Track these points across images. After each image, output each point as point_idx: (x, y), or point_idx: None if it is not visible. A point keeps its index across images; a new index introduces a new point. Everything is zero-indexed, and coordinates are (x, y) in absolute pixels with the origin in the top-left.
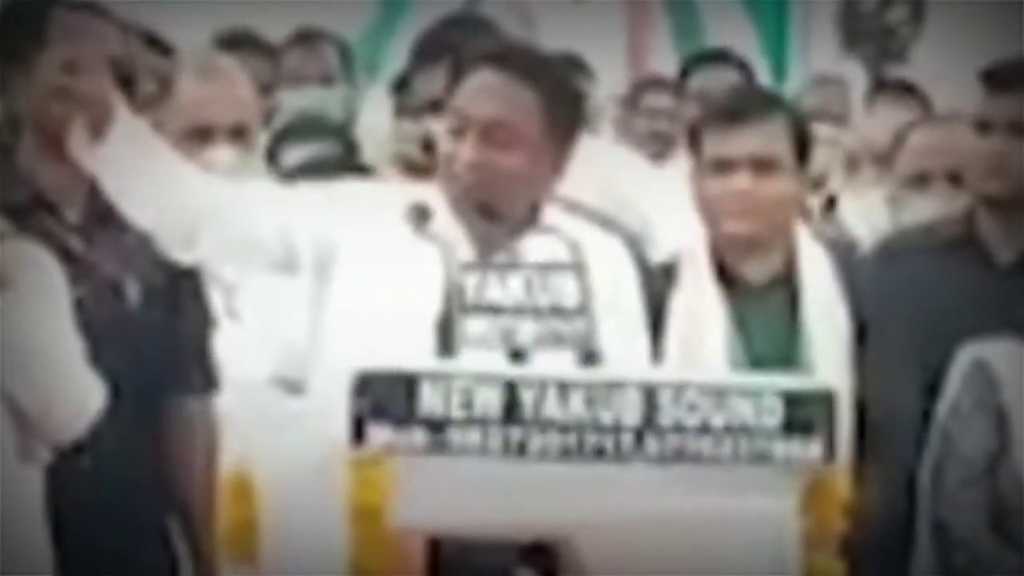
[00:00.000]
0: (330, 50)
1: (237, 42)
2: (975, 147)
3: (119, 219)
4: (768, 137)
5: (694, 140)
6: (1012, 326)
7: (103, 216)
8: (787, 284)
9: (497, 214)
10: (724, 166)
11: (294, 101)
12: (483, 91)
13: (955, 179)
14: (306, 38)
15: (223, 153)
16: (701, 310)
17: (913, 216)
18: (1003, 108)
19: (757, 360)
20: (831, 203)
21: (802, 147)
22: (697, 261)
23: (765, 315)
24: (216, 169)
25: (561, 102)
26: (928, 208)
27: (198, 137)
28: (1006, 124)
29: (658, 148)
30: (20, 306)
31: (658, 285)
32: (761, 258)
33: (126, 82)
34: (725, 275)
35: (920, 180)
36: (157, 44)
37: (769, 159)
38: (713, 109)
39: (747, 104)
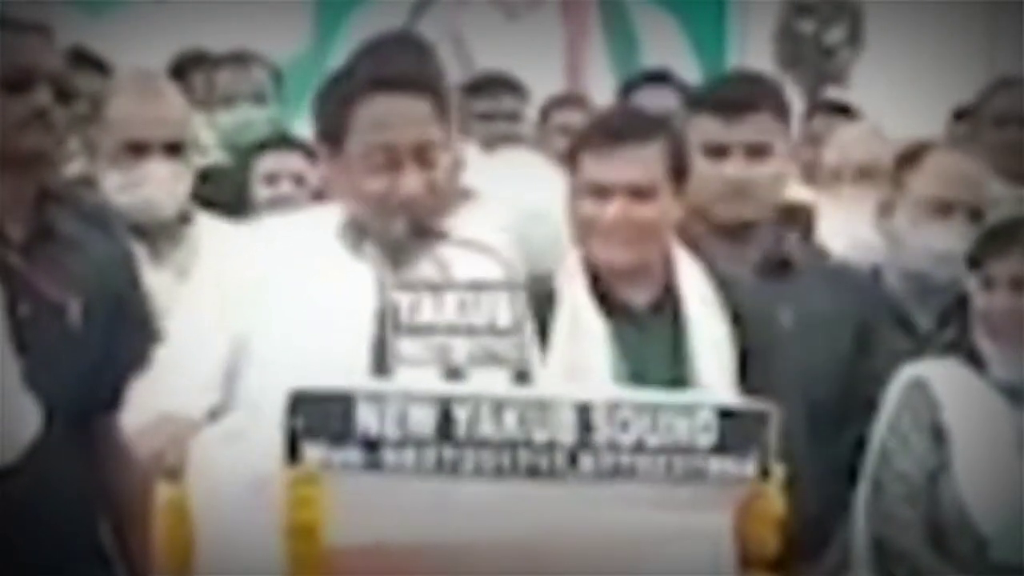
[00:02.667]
0: (260, 71)
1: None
2: (708, 172)
3: (62, 236)
4: (644, 163)
5: (572, 159)
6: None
7: (46, 233)
8: (672, 308)
9: (431, 232)
10: (600, 191)
11: (224, 120)
12: (394, 118)
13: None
14: (237, 59)
15: (158, 168)
16: (582, 333)
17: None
18: (739, 133)
19: (641, 381)
20: None
21: (682, 170)
22: (575, 281)
23: (648, 338)
24: (154, 184)
25: (443, 98)
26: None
27: (133, 153)
28: (743, 149)
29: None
30: None
31: (539, 301)
32: (640, 283)
33: (65, 99)
34: (606, 298)
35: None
36: (88, 62)
37: (645, 186)
38: (592, 131)
39: (625, 128)
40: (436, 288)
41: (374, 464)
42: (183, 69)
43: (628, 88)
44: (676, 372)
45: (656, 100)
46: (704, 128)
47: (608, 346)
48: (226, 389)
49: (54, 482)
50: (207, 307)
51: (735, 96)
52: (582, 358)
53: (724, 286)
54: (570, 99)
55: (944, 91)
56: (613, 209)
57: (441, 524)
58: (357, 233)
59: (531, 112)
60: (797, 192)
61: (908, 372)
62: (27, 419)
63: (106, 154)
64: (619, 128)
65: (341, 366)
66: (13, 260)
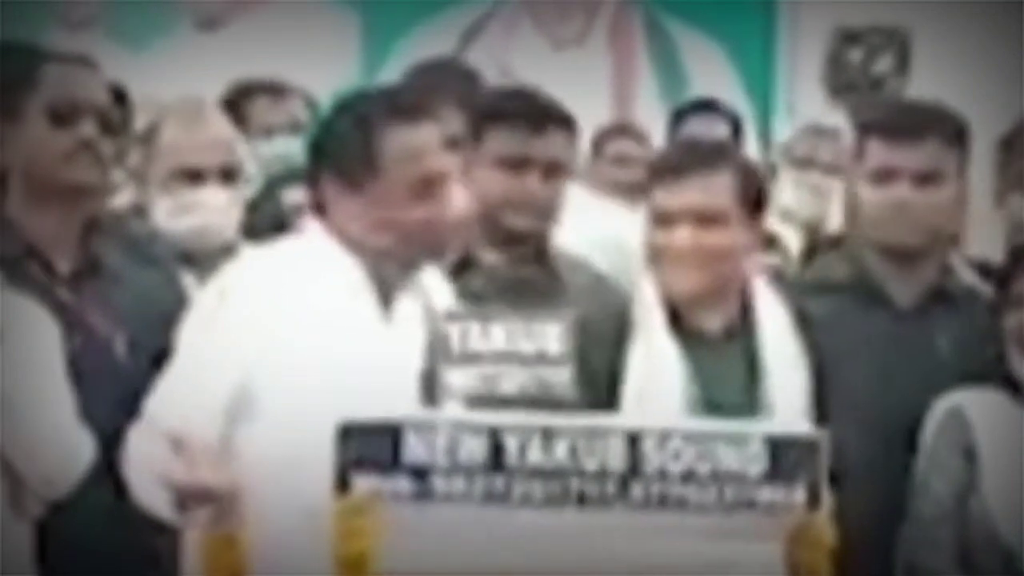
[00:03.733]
0: (297, 101)
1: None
2: (872, 196)
3: (109, 269)
4: (712, 190)
5: (645, 189)
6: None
7: (93, 266)
8: (744, 334)
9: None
10: (667, 219)
11: (262, 150)
12: (428, 144)
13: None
14: (274, 89)
15: (214, 195)
16: (657, 359)
17: None
18: (905, 158)
19: (714, 408)
20: (811, 253)
21: (755, 198)
22: (651, 309)
23: (722, 364)
24: (208, 211)
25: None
26: None
27: (187, 179)
28: (909, 174)
29: (628, 196)
30: (11, 361)
31: (615, 331)
32: (714, 310)
33: (111, 132)
34: (681, 325)
35: None
36: (123, 97)
37: (713, 213)
38: (661, 162)
39: (693, 158)
40: (485, 317)
41: (424, 494)
42: (235, 102)
43: (677, 117)
44: (749, 398)
45: (705, 129)
46: (873, 153)
47: (681, 372)
48: (238, 416)
49: (108, 512)
50: (222, 332)
51: (905, 122)
52: (656, 384)
53: (801, 312)
54: (623, 129)
55: (991, 118)
56: (680, 236)
57: (491, 553)
58: (397, 264)
59: (580, 143)
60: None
61: (946, 401)
62: (84, 452)
63: (157, 182)
64: (686, 156)
65: (391, 396)
66: (62, 294)
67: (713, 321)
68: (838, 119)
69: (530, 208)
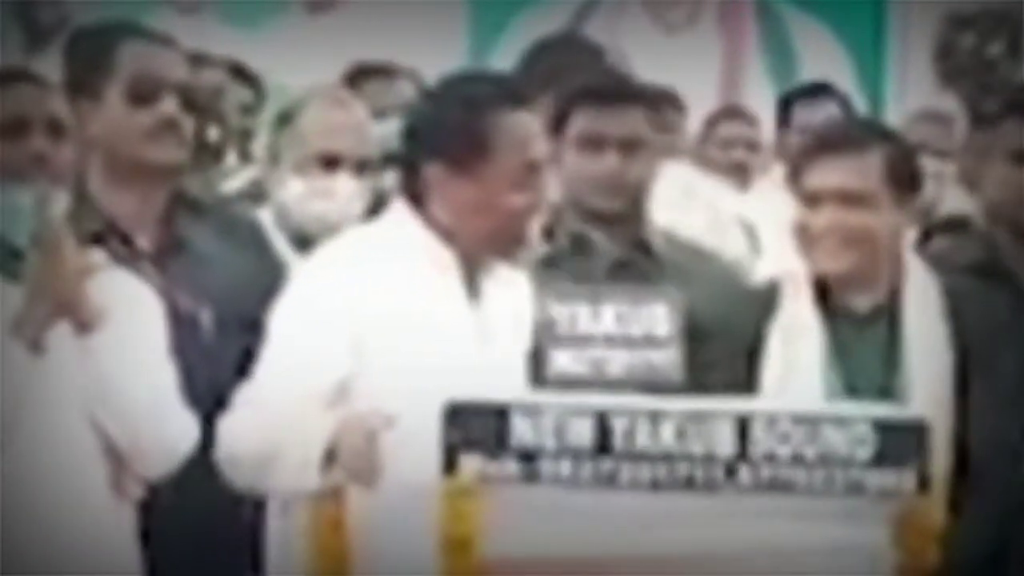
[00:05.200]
0: (407, 84)
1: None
2: (1012, 178)
3: (195, 247)
4: (859, 171)
5: (794, 172)
6: None
7: (178, 244)
8: (891, 315)
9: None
10: (813, 200)
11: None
12: (534, 130)
13: None
14: (383, 72)
15: (347, 184)
16: (799, 337)
17: None
18: None
19: (853, 391)
20: (927, 235)
21: (907, 179)
22: (798, 286)
23: (865, 345)
24: (338, 198)
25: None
26: None
27: (324, 165)
28: None
29: (736, 178)
30: (116, 340)
31: (758, 309)
32: (863, 289)
33: (199, 111)
34: (828, 303)
35: None
36: (246, 76)
37: (859, 193)
38: (808, 142)
39: (839, 137)
40: (593, 300)
41: (530, 476)
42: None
43: (787, 101)
44: (888, 380)
45: (816, 113)
46: (1012, 133)
47: (822, 351)
48: (337, 398)
49: (208, 494)
50: (317, 313)
51: None
52: (796, 362)
53: (952, 294)
54: (733, 112)
55: None
56: (824, 216)
57: (597, 537)
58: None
59: (691, 125)
60: (961, 203)
61: None
62: (186, 433)
63: (291, 165)
64: (833, 136)
65: (498, 378)
66: (145, 271)
67: (862, 301)
68: (950, 104)
69: (612, 188)
